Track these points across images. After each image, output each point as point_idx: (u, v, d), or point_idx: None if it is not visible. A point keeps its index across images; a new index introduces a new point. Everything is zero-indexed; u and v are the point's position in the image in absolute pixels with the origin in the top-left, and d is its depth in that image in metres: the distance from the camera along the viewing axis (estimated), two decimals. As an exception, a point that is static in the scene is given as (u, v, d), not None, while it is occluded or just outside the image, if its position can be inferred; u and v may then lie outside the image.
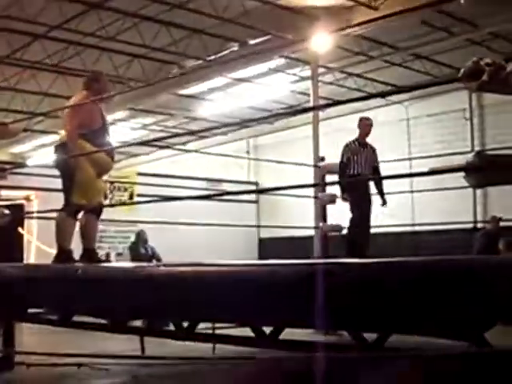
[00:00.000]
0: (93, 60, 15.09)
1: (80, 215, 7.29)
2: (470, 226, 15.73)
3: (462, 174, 4.43)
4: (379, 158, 11.00)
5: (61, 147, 7.20)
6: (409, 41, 15.18)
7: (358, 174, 10.57)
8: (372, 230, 12.50)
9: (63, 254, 7.02)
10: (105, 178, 7.73)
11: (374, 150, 10.94)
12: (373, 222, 10.92)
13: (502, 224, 13.58)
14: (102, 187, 7.59)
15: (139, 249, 14.69)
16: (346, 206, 10.63)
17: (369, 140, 10.96)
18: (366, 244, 10.61)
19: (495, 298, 3.65)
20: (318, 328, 7.38)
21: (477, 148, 16.61)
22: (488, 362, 3.64)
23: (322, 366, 3.16)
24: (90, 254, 7.16)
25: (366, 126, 10.98)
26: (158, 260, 14.00)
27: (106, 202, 8.97)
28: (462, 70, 4.34)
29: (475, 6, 12.63)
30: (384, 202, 10.62)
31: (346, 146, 10.80)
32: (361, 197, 10.41)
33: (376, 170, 10.86)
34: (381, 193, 10.61)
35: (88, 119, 7.12)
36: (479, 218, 16.51)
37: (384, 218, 13.18)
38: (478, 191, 15.83)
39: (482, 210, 16.79)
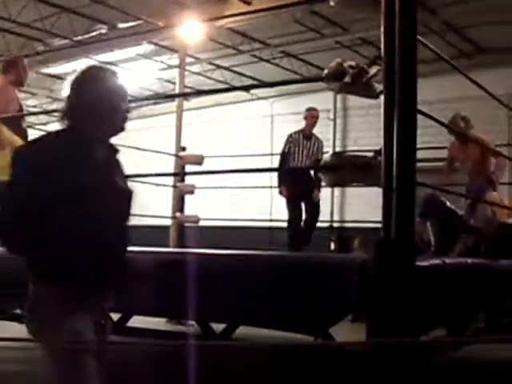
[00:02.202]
0: (-47, 31, 14.52)
1: None
2: (327, 224, 16.05)
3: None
4: (244, 152, 10.87)
5: None
6: (279, 38, 15.33)
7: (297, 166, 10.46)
8: (231, 223, 12.50)
9: None
10: None
11: (319, 143, 10.73)
12: (234, 216, 10.88)
13: (356, 225, 13.89)
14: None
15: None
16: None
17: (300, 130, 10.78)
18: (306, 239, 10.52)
19: (341, 295, 3.71)
20: (168, 317, 7.38)
21: (338, 149, 16.94)
22: (330, 356, 3.70)
23: (168, 354, 3.14)
24: None
25: (311, 117, 10.73)
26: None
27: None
28: (325, 71, 4.40)
29: (346, 9, 12.89)
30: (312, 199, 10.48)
31: (290, 136, 10.58)
32: (299, 191, 10.28)
33: (318, 163, 10.42)
34: (315, 187, 10.44)
35: (4, 103, 6.99)
36: (336, 217, 16.86)
37: (247, 212, 13.28)
38: (336, 190, 16.15)
39: (339, 209, 17.16)
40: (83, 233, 3.04)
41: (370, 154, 4.88)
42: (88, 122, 3.22)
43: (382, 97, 3.86)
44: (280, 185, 10.47)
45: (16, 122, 7.19)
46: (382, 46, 3.83)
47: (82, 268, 3.03)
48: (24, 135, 7.42)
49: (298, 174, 10.71)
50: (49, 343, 3.03)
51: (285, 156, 10.54)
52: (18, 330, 6.18)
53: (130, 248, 3.26)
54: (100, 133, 3.28)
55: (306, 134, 10.60)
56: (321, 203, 10.87)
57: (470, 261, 5.12)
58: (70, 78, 3.33)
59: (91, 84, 3.27)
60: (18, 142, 7.27)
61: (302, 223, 10.55)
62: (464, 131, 8.18)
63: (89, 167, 3.14)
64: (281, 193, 10.47)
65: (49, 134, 3.38)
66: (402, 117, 3.64)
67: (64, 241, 3.01)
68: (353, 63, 4.42)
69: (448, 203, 7.61)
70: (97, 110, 3.24)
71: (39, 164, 3.05)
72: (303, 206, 10.55)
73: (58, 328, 3.00)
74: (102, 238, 3.11)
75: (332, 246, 15.76)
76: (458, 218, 7.59)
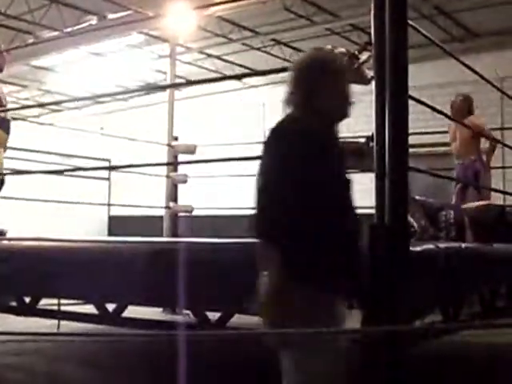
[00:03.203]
0: None
1: None
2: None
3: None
4: (237, 140, 10.79)
5: None
6: (270, 26, 15.28)
7: None
8: (224, 212, 12.47)
9: None
10: None
11: None
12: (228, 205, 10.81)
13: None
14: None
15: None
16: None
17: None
18: None
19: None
20: (164, 306, 7.39)
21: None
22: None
23: (164, 343, 3.13)
24: None
25: None
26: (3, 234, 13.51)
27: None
28: (316, 58, 4.38)
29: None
30: None
31: None
32: None
33: None
34: None
35: None
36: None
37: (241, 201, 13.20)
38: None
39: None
40: (339, 229, 2.99)
41: (363, 140, 4.88)
42: (326, 109, 3.18)
43: (373, 82, 3.85)
44: None
45: None
46: (372, 31, 3.81)
47: (336, 267, 2.96)
48: (6, 128, 7.38)
49: None
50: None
51: None
52: (12, 322, 6.21)
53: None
54: (335, 119, 3.27)
55: None
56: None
57: (464, 245, 5.13)
58: (295, 65, 3.27)
59: (321, 71, 3.21)
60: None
61: None
62: (460, 110, 8.22)
63: (341, 157, 3.20)
64: None
65: (291, 121, 3.25)
66: (393, 102, 3.63)
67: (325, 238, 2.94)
68: (343, 50, 4.42)
69: (416, 196, 8.08)
70: (326, 96, 3.19)
71: (301, 153, 3.01)
72: None
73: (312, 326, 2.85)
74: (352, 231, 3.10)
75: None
76: (427, 205, 8.05)
